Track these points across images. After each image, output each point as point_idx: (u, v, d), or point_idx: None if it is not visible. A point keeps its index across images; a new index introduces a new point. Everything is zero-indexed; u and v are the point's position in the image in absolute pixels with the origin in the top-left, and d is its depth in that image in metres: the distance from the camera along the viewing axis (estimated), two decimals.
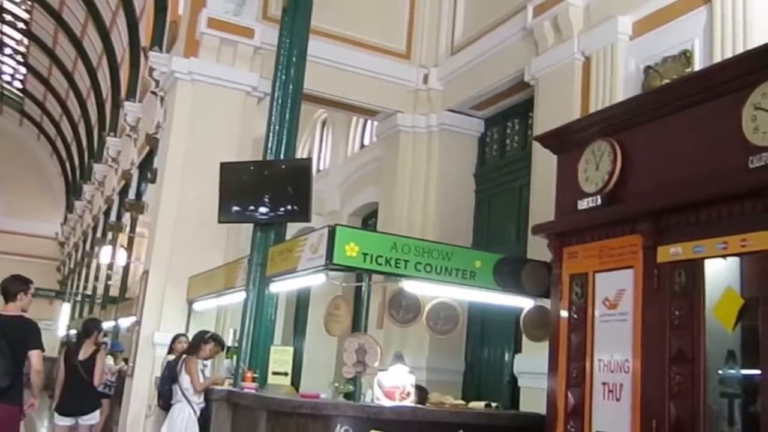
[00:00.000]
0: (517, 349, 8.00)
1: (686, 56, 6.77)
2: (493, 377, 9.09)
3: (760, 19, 6.01)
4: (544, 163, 6.54)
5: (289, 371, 6.24)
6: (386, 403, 5.36)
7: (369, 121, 12.52)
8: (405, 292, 6.02)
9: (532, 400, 6.29)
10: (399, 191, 10.10)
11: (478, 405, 5.93)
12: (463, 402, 6.18)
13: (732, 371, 3.94)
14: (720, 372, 3.89)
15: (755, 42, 5.46)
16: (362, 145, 13.39)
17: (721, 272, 4.00)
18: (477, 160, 10.23)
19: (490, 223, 9.71)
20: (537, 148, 6.94)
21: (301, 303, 13.92)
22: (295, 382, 9.97)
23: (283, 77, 7.67)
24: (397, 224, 9.53)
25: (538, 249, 5.82)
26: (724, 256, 3.87)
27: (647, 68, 7.13)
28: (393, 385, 5.42)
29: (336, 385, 5.95)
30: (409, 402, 5.46)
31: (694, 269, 3.96)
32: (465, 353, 9.57)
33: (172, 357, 7.78)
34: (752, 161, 3.68)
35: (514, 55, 8.70)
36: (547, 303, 5.34)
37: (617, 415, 4.25)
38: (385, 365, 5.71)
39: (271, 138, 7.58)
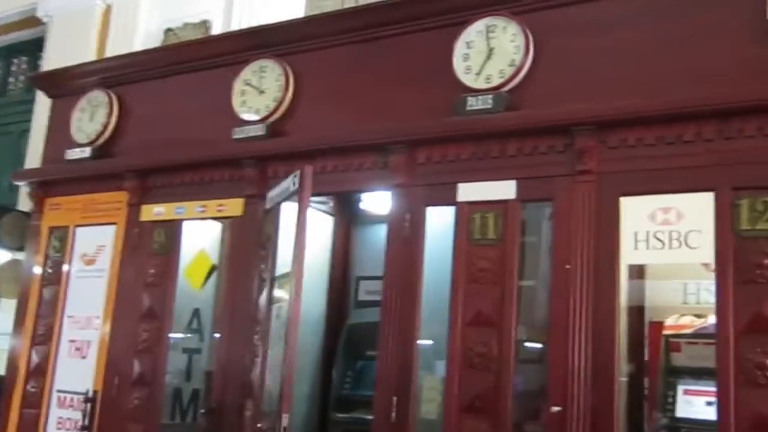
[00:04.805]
0: None
1: (206, 25, 6.94)
2: None
3: (273, 1, 6.39)
4: (48, 109, 6.02)
5: None
6: None
7: None
8: None
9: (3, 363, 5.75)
10: None
11: None
12: None
13: (196, 329, 4.13)
14: (183, 333, 4.06)
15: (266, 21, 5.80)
16: None
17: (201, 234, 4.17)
18: None
19: None
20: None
21: None
22: None
23: None
24: None
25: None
26: (202, 219, 4.02)
27: (168, 30, 7.12)
28: None
29: None
30: None
31: (173, 230, 4.04)
32: None
33: None
34: (235, 132, 3.88)
35: None
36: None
37: (81, 372, 4.13)
38: None
39: None
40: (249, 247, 3.72)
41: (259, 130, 3.82)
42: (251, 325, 3.54)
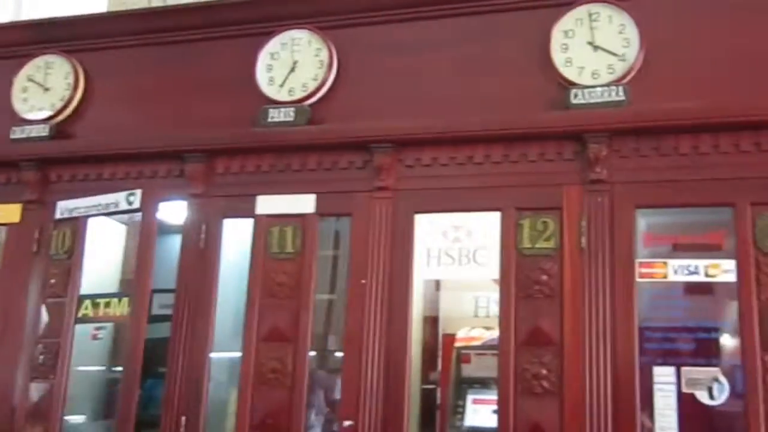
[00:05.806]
0: None
1: None
2: None
3: None
4: None
5: None
6: None
7: None
8: None
9: None
10: None
11: None
12: None
13: None
14: None
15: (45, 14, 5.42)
16: None
17: None
18: None
19: None
20: None
21: None
22: None
23: None
24: None
25: None
26: None
27: None
28: None
29: None
30: None
31: None
32: None
33: None
34: (14, 132, 3.57)
35: None
36: None
37: None
38: None
39: None
40: (26, 258, 3.41)
41: (41, 131, 3.52)
42: (32, 345, 3.25)
